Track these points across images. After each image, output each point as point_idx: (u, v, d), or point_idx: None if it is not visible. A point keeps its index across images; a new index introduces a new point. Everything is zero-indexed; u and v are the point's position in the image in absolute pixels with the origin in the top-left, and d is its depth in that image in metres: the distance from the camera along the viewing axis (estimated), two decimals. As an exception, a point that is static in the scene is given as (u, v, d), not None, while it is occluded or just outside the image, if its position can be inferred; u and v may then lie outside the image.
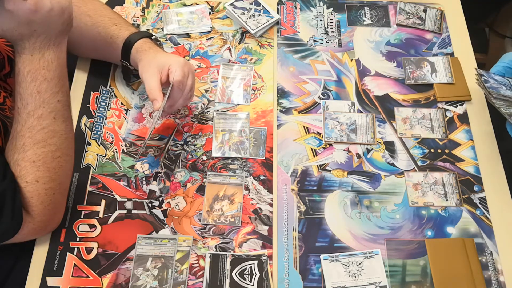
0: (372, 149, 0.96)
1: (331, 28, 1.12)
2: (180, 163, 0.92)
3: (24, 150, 0.74)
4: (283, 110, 1.00)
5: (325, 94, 1.02)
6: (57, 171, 0.77)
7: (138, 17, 1.11)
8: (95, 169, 0.91)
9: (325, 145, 0.96)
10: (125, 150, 0.93)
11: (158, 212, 0.87)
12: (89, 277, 0.81)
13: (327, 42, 1.10)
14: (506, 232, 0.87)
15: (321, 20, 1.13)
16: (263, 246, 0.85)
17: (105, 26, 0.92)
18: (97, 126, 0.96)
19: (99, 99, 1.00)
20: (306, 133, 0.97)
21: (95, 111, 0.98)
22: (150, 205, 0.88)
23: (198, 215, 0.87)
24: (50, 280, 0.80)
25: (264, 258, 0.83)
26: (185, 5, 1.14)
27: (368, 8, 1.15)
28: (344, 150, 0.95)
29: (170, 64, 0.86)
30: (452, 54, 1.08)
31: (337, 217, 0.88)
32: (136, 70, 0.91)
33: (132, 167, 0.92)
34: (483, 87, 0.90)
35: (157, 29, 1.10)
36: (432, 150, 0.96)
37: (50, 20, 0.71)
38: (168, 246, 0.83)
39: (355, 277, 0.81)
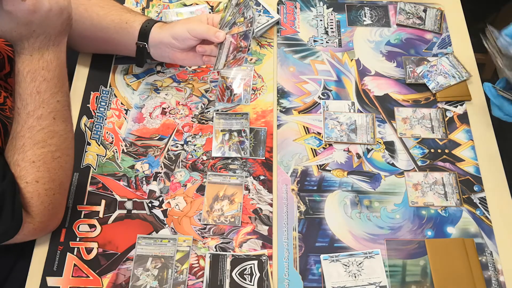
0: (372, 149, 0.96)
1: (331, 28, 1.12)
2: (180, 163, 0.92)
3: (24, 151, 0.74)
4: (283, 110, 1.00)
5: (325, 94, 1.02)
6: (57, 171, 0.77)
7: (138, 17, 1.11)
8: (95, 169, 0.91)
9: (325, 145, 0.96)
10: (125, 150, 0.93)
11: (158, 212, 0.87)
12: (89, 277, 0.81)
13: (327, 42, 1.10)
14: (506, 232, 0.87)
15: (321, 20, 1.13)
16: (263, 246, 0.85)
17: (119, 14, 0.95)
18: (97, 126, 0.96)
19: (99, 99, 1.00)
20: (306, 133, 0.97)
21: (95, 111, 0.98)
22: (150, 205, 0.88)
23: (198, 215, 0.87)
24: (50, 280, 0.80)
25: (264, 258, 0.83)
26: (185, 5, 1.14)
27: (368, 8, 1.15)
28: (344, 150, 0.95)
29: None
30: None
31: (337, 217, 0.88)
32: (150, 56, 0.95)
33: (132, 167, 0.92)
34: (493, 43, 0.86)
35: (157, 29, 1.10)
36: (432, 150, 0.96)
37: (49, 20, 0.71)
38: (168, 246, 0.83)
39: (355, 277, 0.81)
